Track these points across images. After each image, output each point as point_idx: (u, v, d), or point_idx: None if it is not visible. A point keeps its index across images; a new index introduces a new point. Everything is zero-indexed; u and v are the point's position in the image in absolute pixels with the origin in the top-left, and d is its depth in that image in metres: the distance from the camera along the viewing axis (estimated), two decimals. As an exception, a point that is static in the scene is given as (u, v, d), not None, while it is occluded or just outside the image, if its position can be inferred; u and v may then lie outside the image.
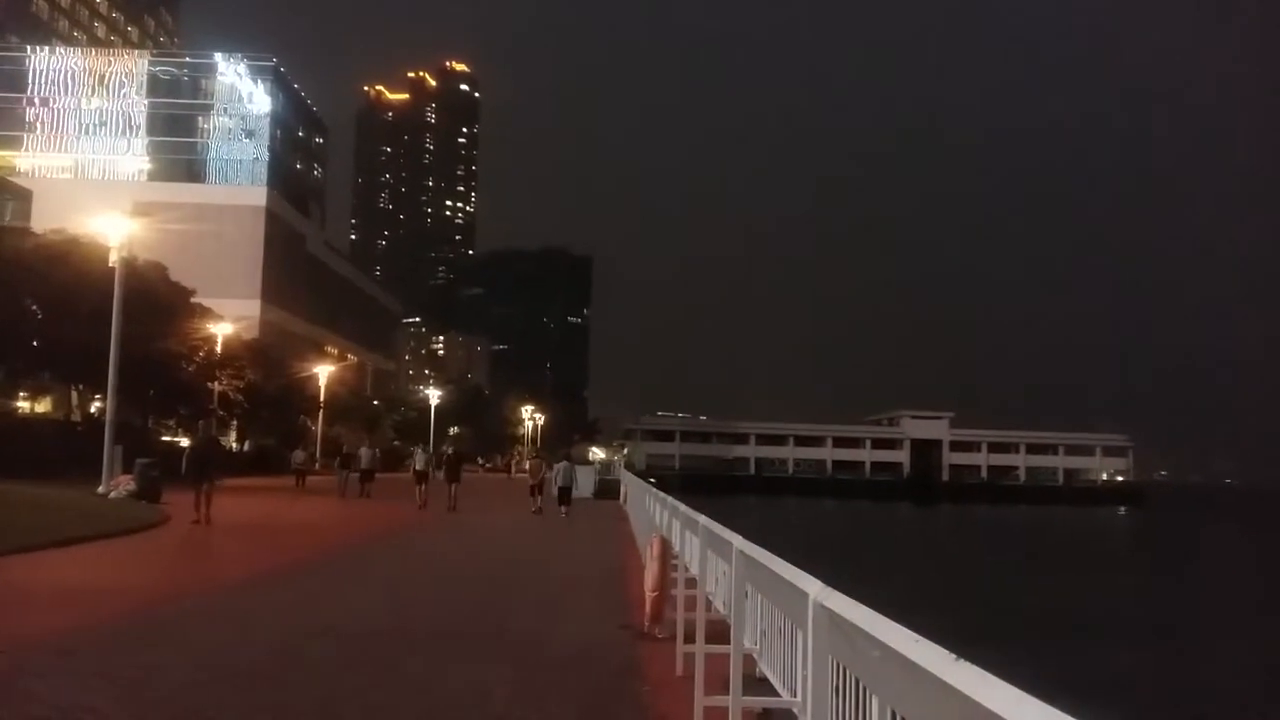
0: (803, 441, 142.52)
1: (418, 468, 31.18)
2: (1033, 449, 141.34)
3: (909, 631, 2.08)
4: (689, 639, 7.36)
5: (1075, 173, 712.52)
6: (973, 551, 50.23)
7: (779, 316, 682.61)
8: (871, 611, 2.41)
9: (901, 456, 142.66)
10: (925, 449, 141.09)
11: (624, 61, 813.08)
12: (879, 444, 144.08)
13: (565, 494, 31.54)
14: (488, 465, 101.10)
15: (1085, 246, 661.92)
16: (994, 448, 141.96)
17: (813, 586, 3.13)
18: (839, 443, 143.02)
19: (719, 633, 6.95)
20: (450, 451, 35.39)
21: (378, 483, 35.14)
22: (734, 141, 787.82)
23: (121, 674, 7.05)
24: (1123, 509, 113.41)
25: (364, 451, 37.14)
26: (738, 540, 5.24)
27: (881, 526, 68.00)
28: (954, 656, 1.80)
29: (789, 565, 3.85)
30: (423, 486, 29.39)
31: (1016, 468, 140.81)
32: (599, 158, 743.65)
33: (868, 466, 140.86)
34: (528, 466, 40.08)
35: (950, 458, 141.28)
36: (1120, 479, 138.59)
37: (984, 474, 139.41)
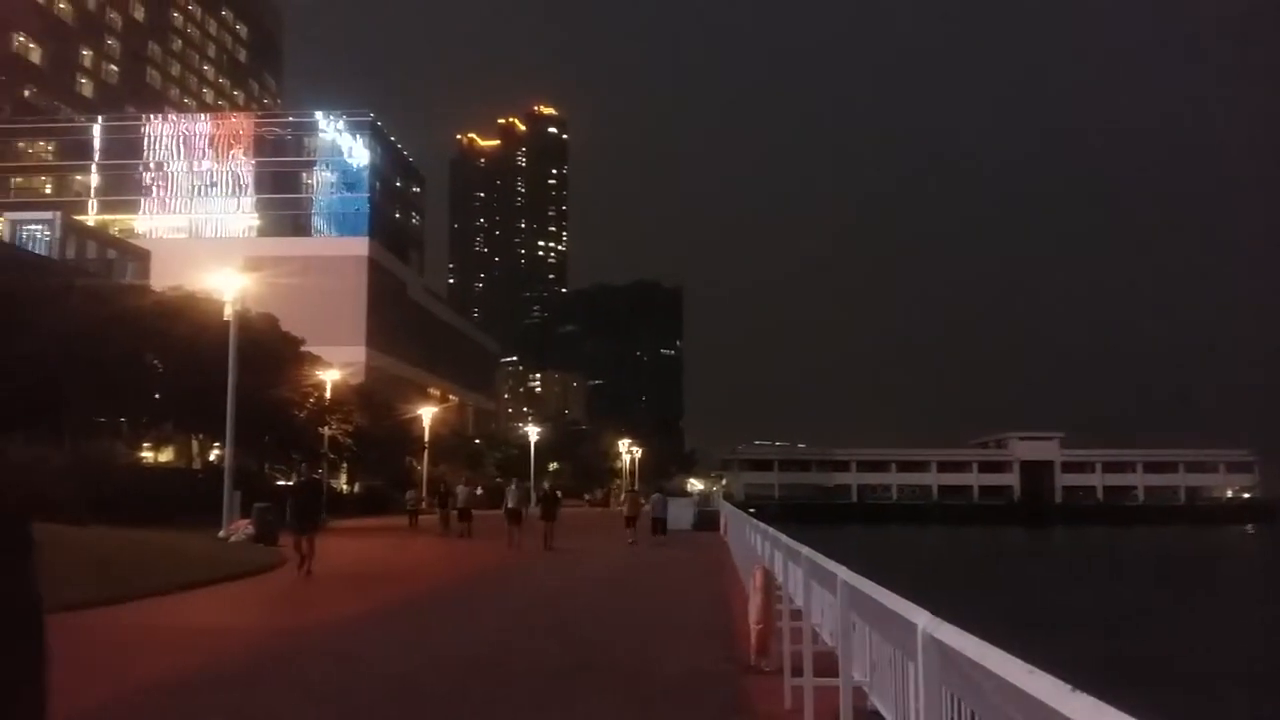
0: (906, 467, 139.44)
1: (510, 505, 29.39)
2: (1151, 467, 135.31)
3: (1021, 662, 2.05)
4: (797, 672, 7.28)
5: (1181, 168, 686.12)
6: (1091, 577, 48.21)
7: (876, 339, 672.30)
8: (982, 642, 2.37)
9: (1011, 479, 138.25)
10: (1036, 471, 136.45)
11: (708, 93, 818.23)
12: (986, 467, 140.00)
13: (660, 524, 32.80)
14: (590, 499, 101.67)
15: (1194, 250, 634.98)
16: (1109, 467, 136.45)
17: (921, 618, 3.09)
18: (944, 467, 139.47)
19: (827, 665, 6.86)
20: (546, 488, 34.45)
21: (478, 520, 34.60)
22: (824, 165, 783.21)
23: (240, 711, 7.33)
24: (1250, 527, 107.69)
25: (461, 489, 36.34)
26: (842, 571, 5.18)
27: (992, 553, 65.87)
28: (1070, 688, 1.77)
29: (896, 596, 3.80)
30: (516, 526, 27.98)
31: (1134, 487, 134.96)
32: (688, 190, 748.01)
33: (975, 491, 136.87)
34: (623, 500, 40.73)
35: (1063, 479, 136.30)
36: (1246, 495, 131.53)
37: (1100, 495, 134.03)
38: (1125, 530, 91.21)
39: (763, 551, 13.25)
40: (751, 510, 28.53)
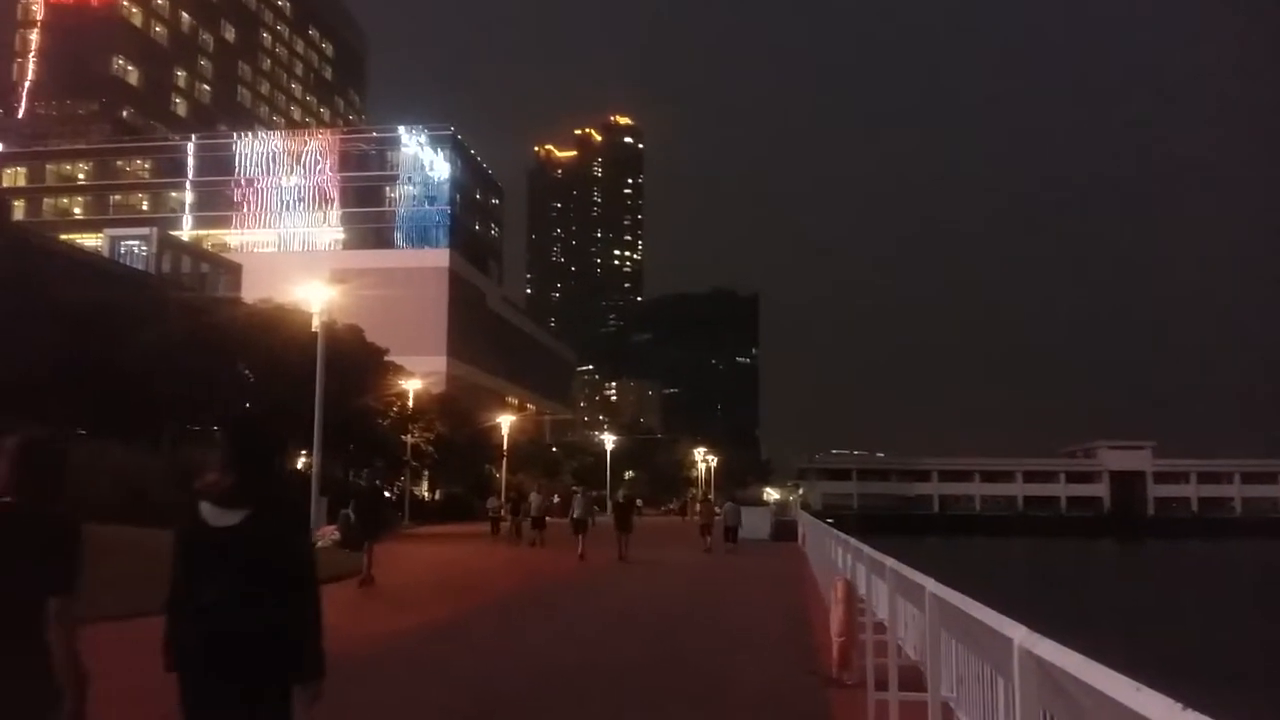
0: (990, 477, 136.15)
1: (575, 515, 28.44)
2: (1249, 478, 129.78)
3: (1128, 679, 2.00)
4: (880, 686, 7.18)
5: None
6: (1189, 592, 46.43)
7: (959, 347, 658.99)
8: (1084, 658, 2.32)
9: (1100, 490, 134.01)
10: (1126, 481, 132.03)
11: (785, 99, 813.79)
12: (1075, 478, 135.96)
13: (732, 533, 32.89)
14: (667, 509, 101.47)
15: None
16: (1204, 478, 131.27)
17: (1017, 632, 3.02)
18: (1030, 477, 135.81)
19: (911, 679, 6.75)
20: (621, 497, 33.48)
21: (551, 528, 33.50)
22: (901, 167, 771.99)
23: (324, 715, 7.50)
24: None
25: (534, 497, 35.36)
26: (930, 583, 5.10)
27: (1082, 565, 63.90)
28: (1181, 706, 1.73)
29: (988, 610, 3.73)
30: (582, 536, 26.94)
31: (1231, 499, 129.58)
32: (764, 196, 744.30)
33: (1063, 502, 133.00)
34: (697, 509, 40.96)
35: (1155, 490, 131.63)
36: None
37: (1194, 507, 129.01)
38: (1222, 544, 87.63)
39: (843, 563, 13.10)
40: (829, 520, 28.17)
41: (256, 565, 3.50)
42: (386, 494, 52.71)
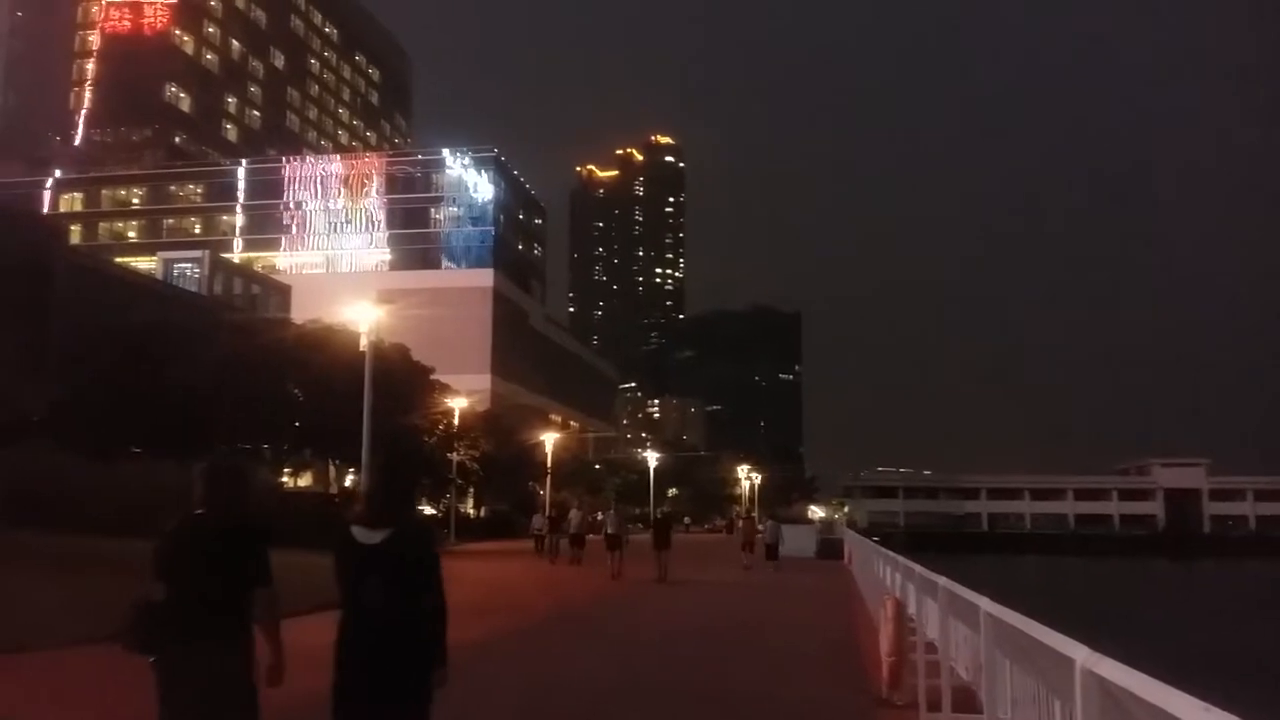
0: (1040, 495, 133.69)
1: (609, 532, 27.55)
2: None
3: (1197, 700, 1.98)
4: (933, 707, 7.09)
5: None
6: (1249, 612, 45.18)
7: (1004, 362, 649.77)
8: (1149, 678, 2.29)
9: (1154, 508, 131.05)
10: (1181, 499, 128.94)
11: (826, 115, 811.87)
12: (1128, 495, 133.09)
13: (773, 550, 32.72)
14: (710, 526, 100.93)
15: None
16: (1262, 495, 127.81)
17: (1079, 652, 2.99)
18: (1081, 495, 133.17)
19: (962, 700, 6.66)
20: (660, 514, 32.47)
21: (593, 545, 32.08)
22: (950, 187, 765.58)
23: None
24: None
25: (574, 514, 34.24)
26: (985, 603, 5.04)
27: (1137, 585, 62.50)
28: (1251, 727, 1.71)
29: (1047, 629, 3.69)
30: (616, 553, 25.97)
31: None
32: (807, 213, 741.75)
33: (1116, 520, 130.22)
34: (740, 525, 40.81)
35: (1211, 508, 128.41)
36: None
37: (1252, 525, 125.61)
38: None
39: (892, 581, 12.97)
40: (876, 538, 27.84)
41: (397, 574, 4.43)
42: (430, 511, 53.15)
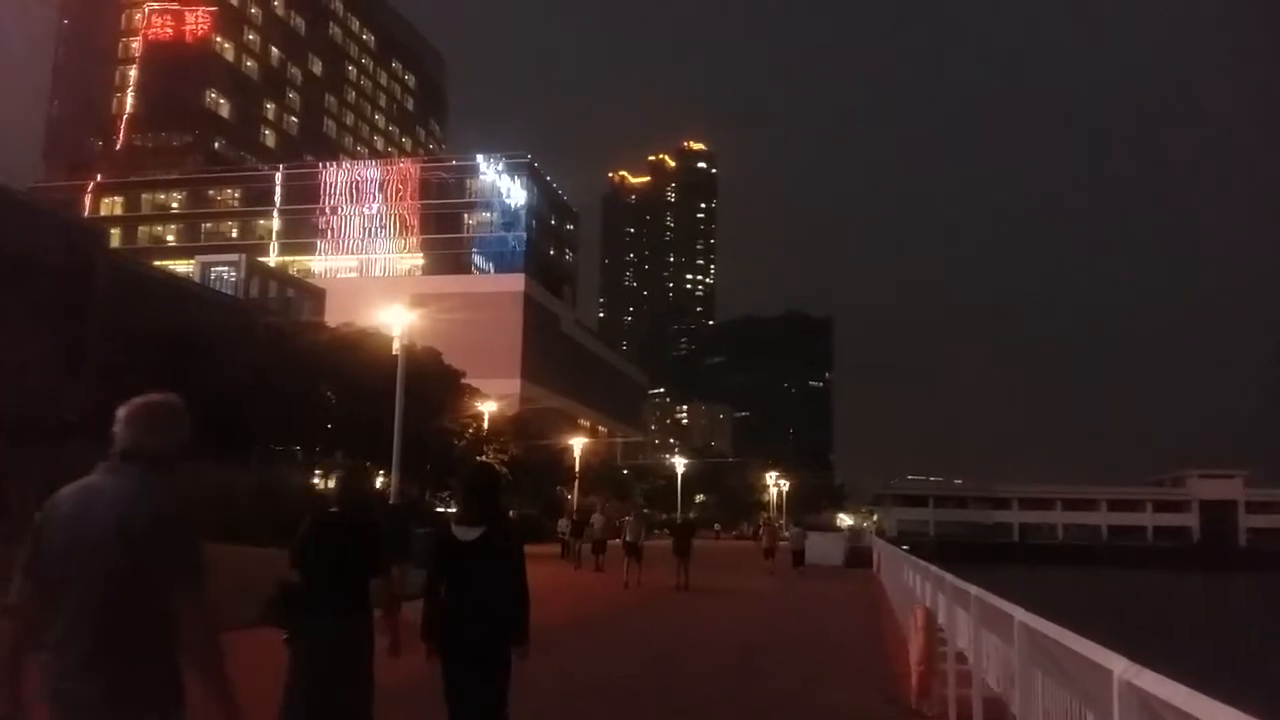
0: (1072, 505, 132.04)
1: (626, 538, 26.46)
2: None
3: (1239, 713, 1.98)
4: (962, 718, 7.06)
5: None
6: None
7: (1038, 372, 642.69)
8: (1190, 690, 2.29)
9: (1190, 520, 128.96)
10: (1217, 511, 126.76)
11: (859, 121, 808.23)
12: (1162, 507, 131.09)
13: (798, 557, 32.82)
14: (738, 533, 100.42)
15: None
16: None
17: (1118, 664, 2.98)
18: (1115, 506, 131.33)
19: (992, 712, 6.62)
20: (681, 520, 31.08)
21: (614, 551, 31.08)
22: (977, 190, 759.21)
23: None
24: None
25: (597, 519, 33.13)
26: (1019, 613, 5.02)
27: (1173, 598, 61.55)
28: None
29: (1085, 640, 3.67)
30: (634, 560, 25.05)
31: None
32: (837, 218, 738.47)
33: (1150, 532, 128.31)
34: (762, 532, 40.78)
35: (1248, 520, 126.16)
36: None
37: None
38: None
39: (922, 591, 12.89)
40: (905, 547, 27.62)
41: (490, 566, 5.42)
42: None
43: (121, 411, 3.28)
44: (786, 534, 36.89)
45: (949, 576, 10.00)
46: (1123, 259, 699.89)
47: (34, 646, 3.02)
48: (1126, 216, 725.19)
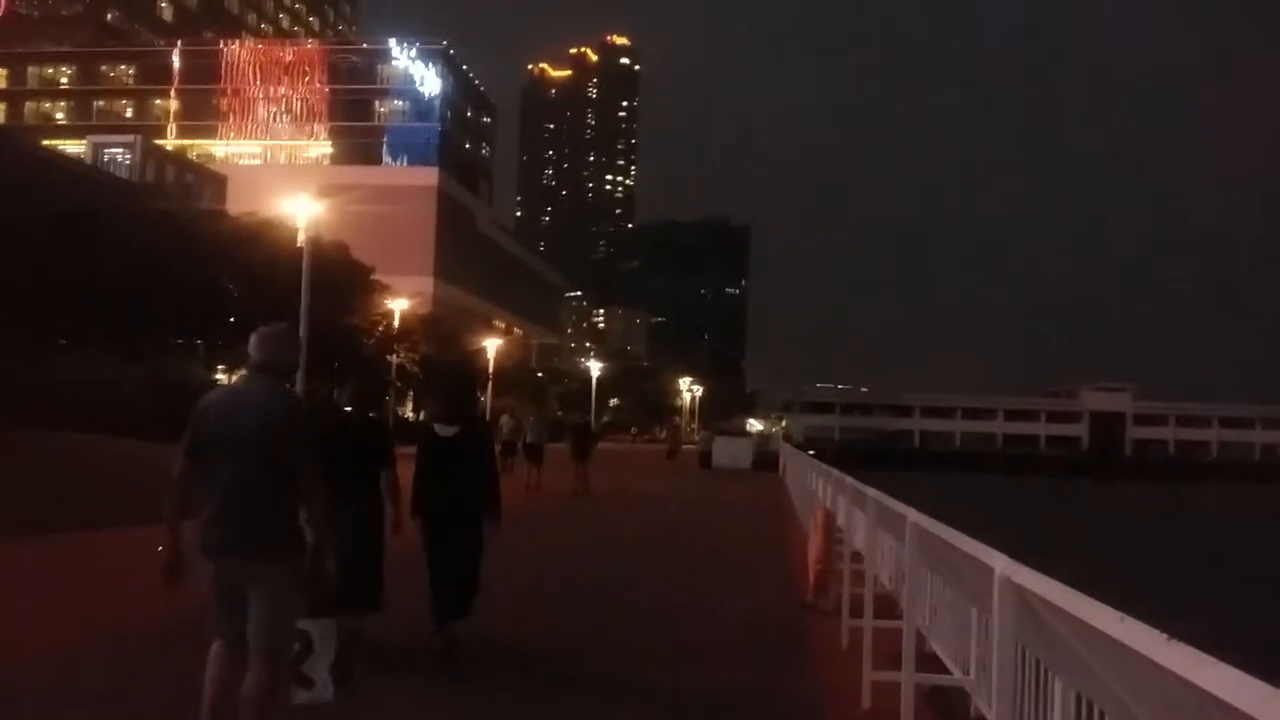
0: (971, 415, 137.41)
1: (528, 440, 25.10)
2: (1226, 423, 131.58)
3: (1112, 609, 1.95)
4: (855, 614, 7.25)
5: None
6: (1155, 529, 47.29)
7: (945, 286, 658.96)
8: (1067, 587, 2.28)
9: (1080, 430, 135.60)
10: (1106, 422, 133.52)
11: (784, 28, 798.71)
12: (1054, 417, 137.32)
13: (706, 459, 33.91)
14: (650, 436, 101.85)
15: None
16: (1183, 421, 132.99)
17: (999, 561, 3.00)
18: (1011, 416, 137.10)
19: (886, 608, 6.82)
20: (581, 421, 29.86)
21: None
22: (899, 104, 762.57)
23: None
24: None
25: (505, 421, 30.50)
26: (911, 513, 5.09)
27: (1058, 502, 64.91)
28: (1166, 636, 1.68)
29: (970, 539, 3.70)
30: (532, 462, 23.74)
31: (1209, 443, 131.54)
32: (759, 126, 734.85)
33: (1042, 441, 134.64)
34: (666, 435, 41.83)
35: (1134, 432, 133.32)
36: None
37: (1171, 449, 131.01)
38: (1197, 485, 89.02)
39: (823, 493, 13.19)
40: (811, 452, 28.27)
41: (468, 456, 6.77)
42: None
43: (253, 337, 4.36)
44: (696, 438, 37.67)
45: (849, 479, 10.20)
46: (1031, 177, 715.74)
47: (191, 510, 4.19)
48: (1034, 132, 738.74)
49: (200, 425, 4.17)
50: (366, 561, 6.00)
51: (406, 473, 6.67)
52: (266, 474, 4.09)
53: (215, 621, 4.19)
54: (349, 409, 6.82)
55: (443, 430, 6.80)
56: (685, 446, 49.77)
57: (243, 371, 4.42)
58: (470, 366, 50.04)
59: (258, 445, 4.08)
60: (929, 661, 5.52)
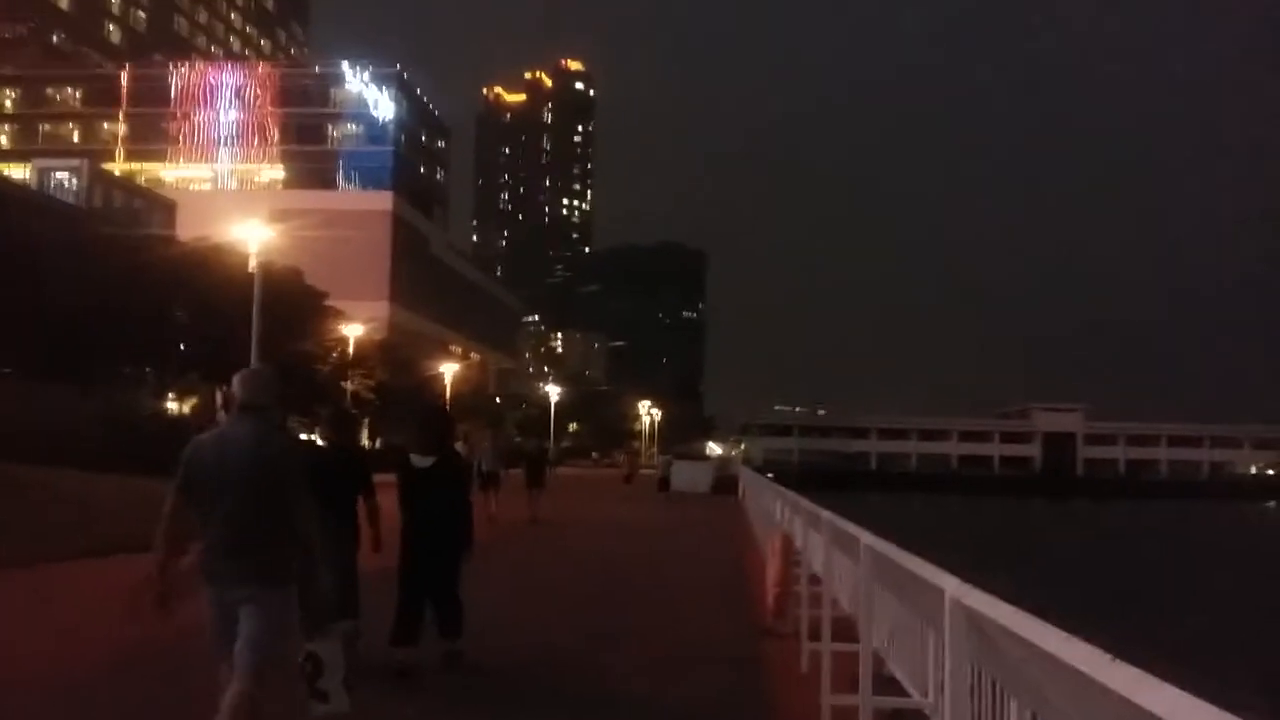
0: (927, 436, 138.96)
1: (483, 469, 22.78)
2: (1175, 441, 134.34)
3: (1059, 630, 1.99)
4: (813, 636, 7.28)
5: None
6: (1111, 548, 48.07)
7: (902, 309, 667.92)
8: (1015, 610, 2.31)
9: (1033, 451, 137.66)
10: (1058, 443, 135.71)
11: (741, 50, 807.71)
12: (1008, 438, 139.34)
13: (665, 483, 34.20)
14: (612, 461, 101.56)
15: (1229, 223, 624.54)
16: (1133, 440, 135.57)
17: (949, 583, 3.03)
18: (965, 437, 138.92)
19: (845, 631, 6.85)
20: (532, 447, 27.65)
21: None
22: (855, 125, 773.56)
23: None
24: (1273, 503, 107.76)
25: (461, 447, 26.54)
26: (865, 535, 5.13)
27: (1012, 524, 65.77)
28: (1110, 657, 1.71)
29: (921, 561, 3.74)
30: (491, 493, 21.95)
31: (1158, 461, 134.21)
32: (715, 151, 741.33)
33: (996, 462, 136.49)
34: (623, 459, 42.01)
35: (1085, 452, 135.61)
36: (1271, 472, 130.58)
37: (1122, 468, 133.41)
38: (1149, 503, 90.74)
39: (781, 516, 13.24)
40: (770, 475, 28.38)
41: (442, 486, 7.26)
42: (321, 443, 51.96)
43: (235, 378, 4.74)
44: (655, 462, 37.83)
45: (804, 501, 10.25)
46: (987, 200, 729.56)
47: (181, 543, 4.54)
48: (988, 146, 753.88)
49: (193, 465, 4.53)
50: (345, 576, 6.73)
51: (386, 499, 7.28)
52: (259, 508, 4.46)
53: (216, 645, 4.55)
54: (325, 442, 7.70)
55: (419, 461, 7.29)
56: (643, 471, 49.84)
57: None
58: (442, 401, 51.09)
59: (249, 483, 4.44)
60: (888, 684, 5.54)
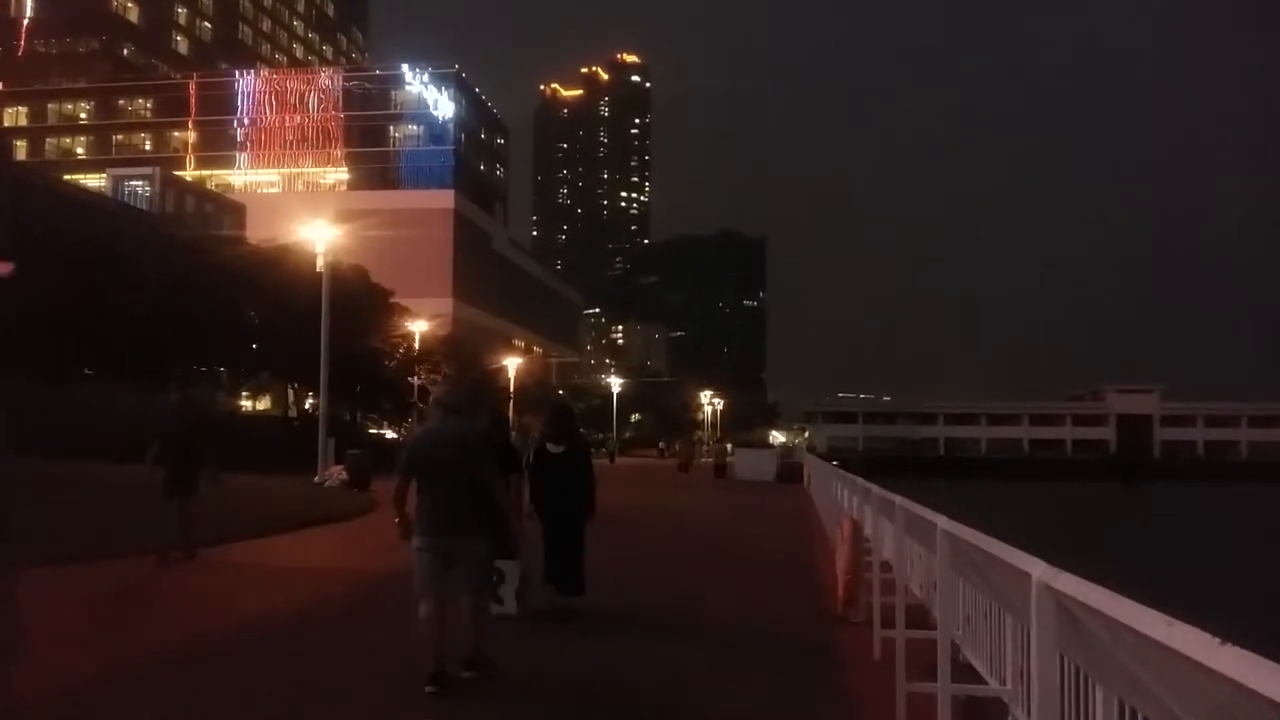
0: (996, 420, 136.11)
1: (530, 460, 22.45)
2: (1255, 422, 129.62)
3: (1158, 613, 1.89)
4: (886, 624, 7.15)
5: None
6: (1193, 532, 46.60)
7: (965, 290, 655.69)
8: (1109, 592, 2.21)
9: (1107, 434, 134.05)
10: (1134, 425, 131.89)
11: (793, 40, 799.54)
12: (1081, 421, 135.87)
13: (720, 470, 34.50)
14: (663, 449, 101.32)
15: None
16: (1211, 421, 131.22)
17: (1036, 567, 2.92)
18: (1036, 420, 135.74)
19: (916, 618, 6.72)
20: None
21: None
22: (917, 112, 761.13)
23: (345, 647, 7.53)
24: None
25: (515, 439, 28.27)
26: (942, 520, 5.00)
27: (1088, 507, 64.16)
28: (1219, 640, 1.61)
29: (1005, 545, 3.62)
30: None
31: (1238, 443, 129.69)
32: (773, 138, 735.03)
33: (1069, 445, 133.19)
34: (679, 448, 42.89)
35: (1162, 434, 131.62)
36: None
37: (1200, 450, 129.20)
38: (1229, 486, 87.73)
39: (849, 503, 13.06)
40: (835, 463, 28.05)
41: (572, 468, 9.11)
42: (391, 435, 52.87)
43: (438, 386, 6.43)
44: (708, 451, 38.22)
45: (875, 488, 10.08)
46: (1051, 179, 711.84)
47: (404, 503, 6.52)
48: (1049, 138, 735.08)
49: (415, 453, 6.63)
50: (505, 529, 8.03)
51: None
52: (465, 482, 6.38)
53: (424, 584, 6.30)
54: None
55: (553, 448, 9.12)
56: (704, 461, 49.97)
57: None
58: (566, 398, 56.11)
59: (458, 465, 6.38)
60: (964, 672, 5.42)
